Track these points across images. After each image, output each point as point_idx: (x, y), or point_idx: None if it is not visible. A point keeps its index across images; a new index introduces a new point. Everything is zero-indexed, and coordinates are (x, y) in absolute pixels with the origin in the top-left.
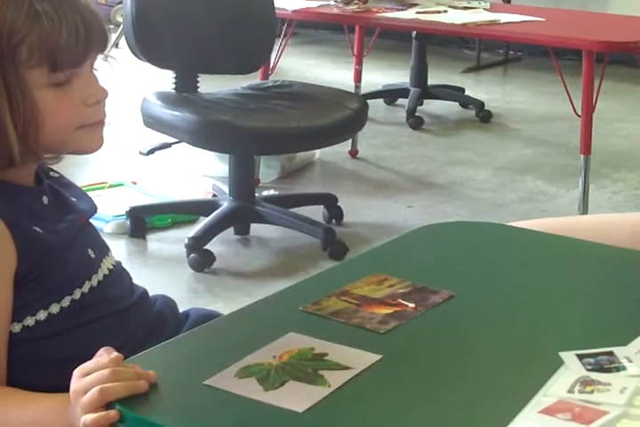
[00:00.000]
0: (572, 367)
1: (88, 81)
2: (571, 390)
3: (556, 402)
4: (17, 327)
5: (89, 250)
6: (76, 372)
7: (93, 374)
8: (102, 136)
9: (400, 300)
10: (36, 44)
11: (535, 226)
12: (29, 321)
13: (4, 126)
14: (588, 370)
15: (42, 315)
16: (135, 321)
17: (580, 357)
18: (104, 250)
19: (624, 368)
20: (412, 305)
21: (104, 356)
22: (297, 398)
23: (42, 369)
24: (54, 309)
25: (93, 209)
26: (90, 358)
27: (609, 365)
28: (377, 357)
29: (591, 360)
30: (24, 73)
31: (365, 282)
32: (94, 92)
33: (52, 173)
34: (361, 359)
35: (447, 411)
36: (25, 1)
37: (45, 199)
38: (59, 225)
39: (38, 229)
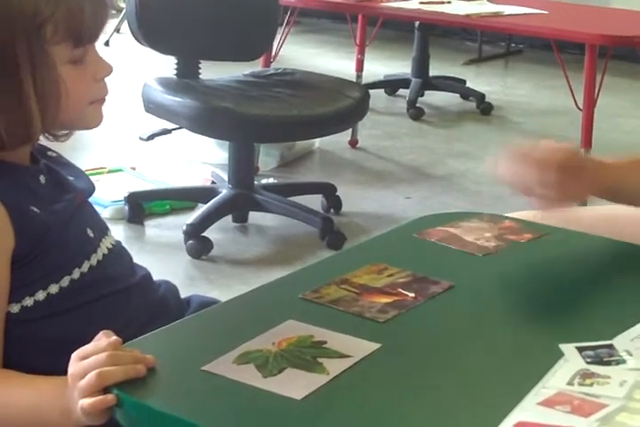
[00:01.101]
0: (571, 360)
1: (97, 57)
2: (570, 383)
3: (556, 394)
4: (15, 308)
5: (87, 229)
6: (74, 355)
7: (91, 358)
8: (102, 112)
9: (400, 289)
10: (62, 21)
11: (531, 217)
12: (28, 301)
13: (27, 102)
14: (587, 363)
15: (41, 295)
16: (137, 302)
17: (580, 349)
18: (103, 229)
19: (624, 361)
20: (411, 295)
21: (102, 339)
22: (295, 385)
23: (40, 350)
24: (53, 289)
25: (91, 188)
26: (90, 338)
27: (608, 358)
28: (376, 345)
29: (591, 353)
30: (49, 49)
31: (365, 271)
32: (103, 68)
33: (49, 153)
34: (360, 348)
35: (445, 401)
36: None
37: (42, 178)
38: (56, 204)
39: (35, 209)
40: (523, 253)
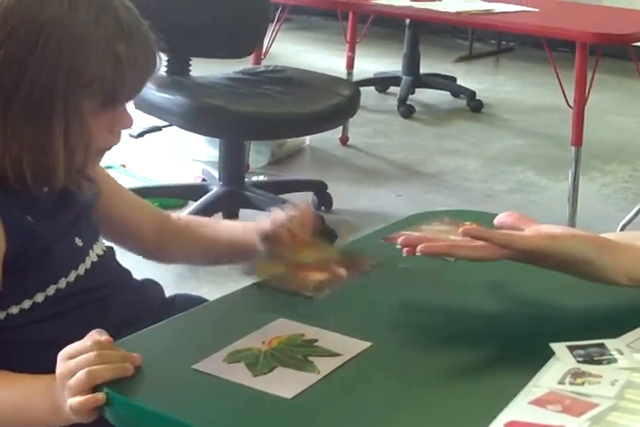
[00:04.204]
0: (562, 359)
1: (121, 109)
2: (561, 382)
3: (547, 393)
4: (1, 315)
5: (76, 238)
6: (61, 354)
7: (80, 357)
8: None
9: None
10: (103, 84)
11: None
12: (14, 310)
13: (55, 150)
14: (578, 362)
15: (27, 304)
16: (122, 304)
17: (571, 348)
18: (94, 236)
19: (615, 361)
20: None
21: (91, 337)
22: (286, 384)
23: (27, 352)
24: (39, 298)
25: (94, 197)
26: (77, 340)
27: (599, 357)
28: (367, 344)
29: (582, 352)
30: (82, 101)
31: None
32: (124, 121)
33: None
34: (351, 346)
35: (436, 401)
36: (102, 38)
37: (45, 188)
38: (50, 217)
39: (30, 219)
40: None
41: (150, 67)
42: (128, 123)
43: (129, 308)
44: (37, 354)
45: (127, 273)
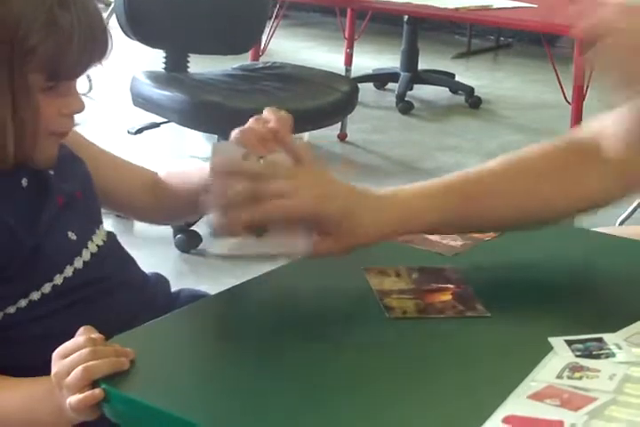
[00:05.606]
0: (560, 353)
1: (70, 91)
2: (560, 376)
3: (545, 387)
4: None
5: (69, 233)
6: (55, 354)
7: (73, 355)
8: (56, 148)
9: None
10: (46, 51)
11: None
12: (10, 309)
13: (2, 128)
14: (577, 356)
15: (23, 302)
16: (125, 297)
17: (570, 343)
18: (92, 228)
19: (613, 355)
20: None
21: (82, 335)
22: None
23: (26, 348)
24: (35, 296)
25: (81, 185)
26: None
27: (598, 351)
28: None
29: (580, 346)
30: (27, 72)
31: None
32: (73, 104)
33: None
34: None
35: (434, 395)
36: (46, 5)
37: (25, 181)
38: (34, 212)
39: (10, 219)
40: (493, 250)
41: (97, 42)
42: (77, 106)
43: (134, 301)
44: (42, 350)
45: (132, 262)
